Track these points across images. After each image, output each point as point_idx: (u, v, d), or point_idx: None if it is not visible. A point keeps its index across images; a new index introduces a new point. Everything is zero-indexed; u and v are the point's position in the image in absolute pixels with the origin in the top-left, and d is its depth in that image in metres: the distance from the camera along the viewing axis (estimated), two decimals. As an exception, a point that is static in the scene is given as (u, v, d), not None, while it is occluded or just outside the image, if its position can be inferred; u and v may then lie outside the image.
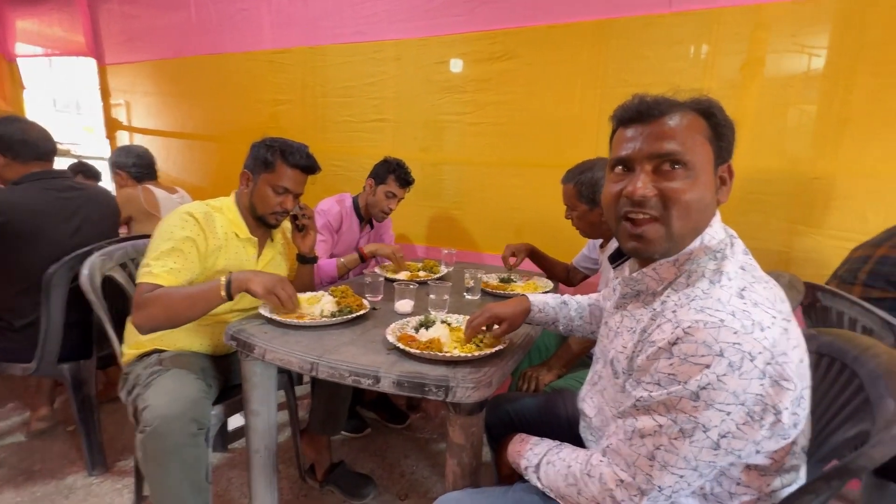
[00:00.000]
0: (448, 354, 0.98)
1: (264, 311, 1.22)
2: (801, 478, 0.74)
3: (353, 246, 2.15)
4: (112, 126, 3.52)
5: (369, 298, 1.49)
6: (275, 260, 1.53)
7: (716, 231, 0.74)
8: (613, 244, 1.43)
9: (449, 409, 0.95)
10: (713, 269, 0.70)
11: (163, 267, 1.20)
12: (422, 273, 1.86)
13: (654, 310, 0.73)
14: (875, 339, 0.81)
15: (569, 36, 1.97)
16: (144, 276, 1.20)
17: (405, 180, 1.99)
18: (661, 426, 0.66)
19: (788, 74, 1.73)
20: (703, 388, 0.61)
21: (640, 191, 0.71)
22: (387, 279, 1.67)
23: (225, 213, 1.39)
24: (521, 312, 1.10)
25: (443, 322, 1.20)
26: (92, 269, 1.42)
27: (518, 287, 1.73)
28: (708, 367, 0.61)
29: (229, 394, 1.38)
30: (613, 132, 0.80)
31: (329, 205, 2.04)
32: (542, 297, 1.14)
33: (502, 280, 1.81)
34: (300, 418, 1.68)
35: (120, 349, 1.39)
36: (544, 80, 2.03)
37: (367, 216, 2.11)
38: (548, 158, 2.05)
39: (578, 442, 1.07)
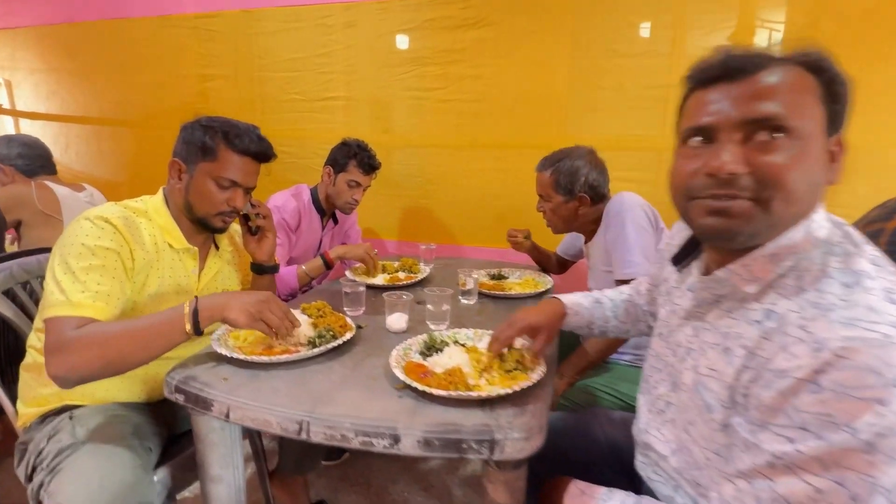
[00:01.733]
0: (483, 392, 0.76)
1: (221, 348, 0.93)
2: None
3: (315, 246, 1.85)
4: (-11, 110, 2.86)
5: (349, 313, 1.22)
6: (222, 273, 1.21)
7: (822, 219, 0.58)
8: (672, 236, 1.27)
9: (489, 464, 0.73)
10: (839, 268, 0.54)
11: (84, 292, 0.87)
12: (401, 275, 1.61)
13: (760, 323, 0.56)
14: None
15: (551, 0, 1.77)
16: (59, 307, 0.85)
17: (370, 165, 1.71)
18: (820, 492, 0.48)
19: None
20: (881, 434, 0.45)
21: (727, 166, 0.55)
22: (348, 281, 1.41)
23: (152, 217, 1.06)
24: (557, 318, 0.91)
25: (455, 342, 0.98)
26: (-40, 303, 1.03)
27: (515, 284, 1.53)
28: (880, 402, 0.45)
29: (177, 445, 1.07)
30: (686, 96, 0.64)
31: (283, 200, 1.72)
32: (574, 297, 0.95)
33: (493, 277, 1.61)
34: (265, 447, 1.39)
35: (12, 408, 1.03)
36: (525, 51, 1.82)
37: (328, 210, 1.81)
38: (530, 139, 1.86)
39: (623, 471, 0.91)
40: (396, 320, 1.12)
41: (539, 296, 1.43)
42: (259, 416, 0.75)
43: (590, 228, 1.44)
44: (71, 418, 0.95)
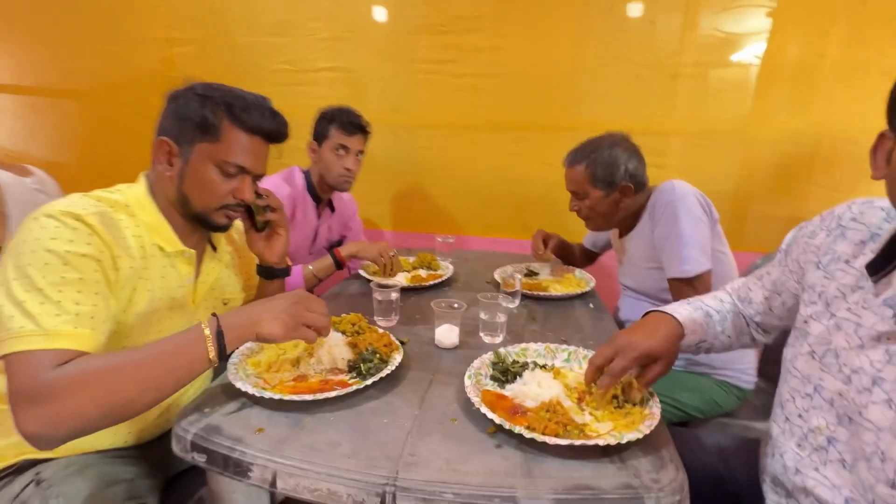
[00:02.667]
0: (611, 439, 0.60)
1: (243, 384, 0.72)
2: None
3: (309, 238, 1.62)
4: None
5: (381, 324, 1.03)
6: (222, 279, 0.99)
7: None
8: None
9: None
10: None
11: (60, 315, 0.63)
12: (422, 273, 1.43)
13: None
14: None
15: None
16: (28, 338, 0.60)
17: (353, 124, 1.46)
18: None
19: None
20: None
21: None
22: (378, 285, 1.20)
23: (135, 212, 0.82)
24: (676, 342, 0.75)
25: (535, 364, 0.81)
26: None
27: (554, 283, 1.38)
28: None
29: (174, 492, 0.88)
30: None
31: (275, 185, 1.48)
32: (683, 311, 0.79)
33: (524, 274, 1.45)
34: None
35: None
36: (553, 18, 1.64)
37: (324, 195, 1.58)
38: (557, 119, 1.70)
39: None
40: (447, 334, 0.94)
41: (583, 296, 1.28)
42: (321, 486, 0.56)
43: (628, 222, 1.31)
44: (37, 483, 0.72)
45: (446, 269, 1.45)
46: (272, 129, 0.88)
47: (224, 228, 0.91)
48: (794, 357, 0.68)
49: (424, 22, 1.71)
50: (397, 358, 0.82)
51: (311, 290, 1.39)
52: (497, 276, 1.39)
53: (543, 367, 0.81)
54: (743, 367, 1.18)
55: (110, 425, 0.64)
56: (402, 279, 1.36)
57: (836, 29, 1.54)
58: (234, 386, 0.72)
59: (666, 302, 1.18)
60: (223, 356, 0.67)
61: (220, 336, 0.66)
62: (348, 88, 1.81)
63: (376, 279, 1.32)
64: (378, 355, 0.82)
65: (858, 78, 1.54)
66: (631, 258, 1.33)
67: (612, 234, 1.45)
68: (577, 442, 0.58)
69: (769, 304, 0.79)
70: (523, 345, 0.89)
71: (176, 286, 0.86)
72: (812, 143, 1.61)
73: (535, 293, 1.26)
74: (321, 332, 0.73)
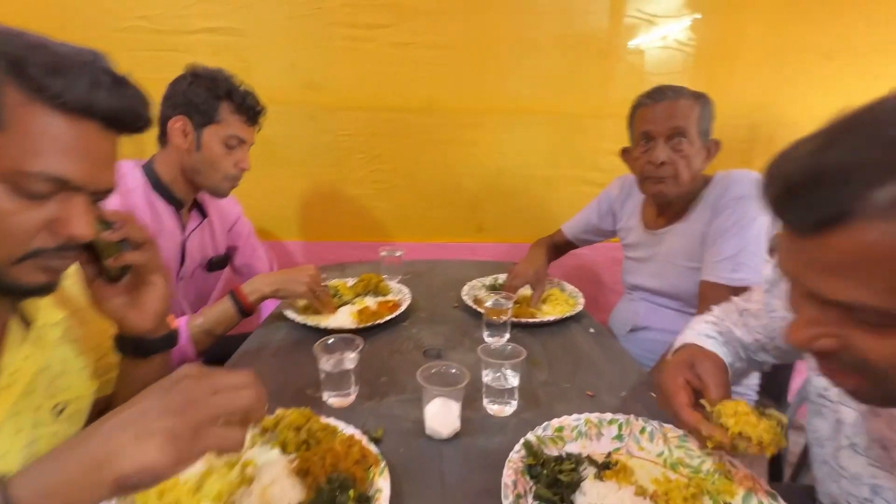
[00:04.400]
0: None
1: None
2: None
3: (174, 261, 1.08)
4: None
5: (333, 403, 0.70)
6: (51, 370, 0.58)
7: None
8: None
9: None
10: None
11: None
12: (370, 303, 1.09)
13: None
14: None
15: None
16: None
17: (254, 110, 1.03)
18: None
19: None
20: None
21: None
22: (325, 346, 0.82)
23: None
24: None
25: (590, 463, 0.55)
26: None
27: (539, 302, 1.12)
28: None
29: None
30: None
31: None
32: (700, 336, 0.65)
33: (493, 289, 1.19)
34: None
35: None
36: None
37: (185, 195, 1.06)
38: (518, 100, 1.46)
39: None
40: (443, 416, 0.63)
41: (576, 317, 1.05)
42: None
43: (677, 208, 1.06)
44: None
45: (399, 292, 1.13)
46: (114, 108, 0.48)
47: (42, 291, 0.50)
48: (833, 450, 0.51)
49: (345, -28, 1.32)
50: (383, 488, 0.50)
51: (203, 352, 0.95)
52: (466, 297, 1.10)
53: (606, 466, 0.55)
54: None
55: None
56: (346, 317, 1.01)
57: (770, 11, 1.49)
58: None
59: (696, 309, 1.00)
60: None
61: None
62: (242, 59, 1.34)
63: (310, 321, 0.96)
64: (351, 490, 0.49)
65: (795, 59, 1.51)
66: (664, 254, 1.09)
67: (633, 223, 1.18)
68: None
69: (761, 345, 0.66)
70: (555, 422, 0.62)
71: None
72: (750, 129, 1.56)
73: (523, 320, 1.00)
74: (253, 416, 0.40)
